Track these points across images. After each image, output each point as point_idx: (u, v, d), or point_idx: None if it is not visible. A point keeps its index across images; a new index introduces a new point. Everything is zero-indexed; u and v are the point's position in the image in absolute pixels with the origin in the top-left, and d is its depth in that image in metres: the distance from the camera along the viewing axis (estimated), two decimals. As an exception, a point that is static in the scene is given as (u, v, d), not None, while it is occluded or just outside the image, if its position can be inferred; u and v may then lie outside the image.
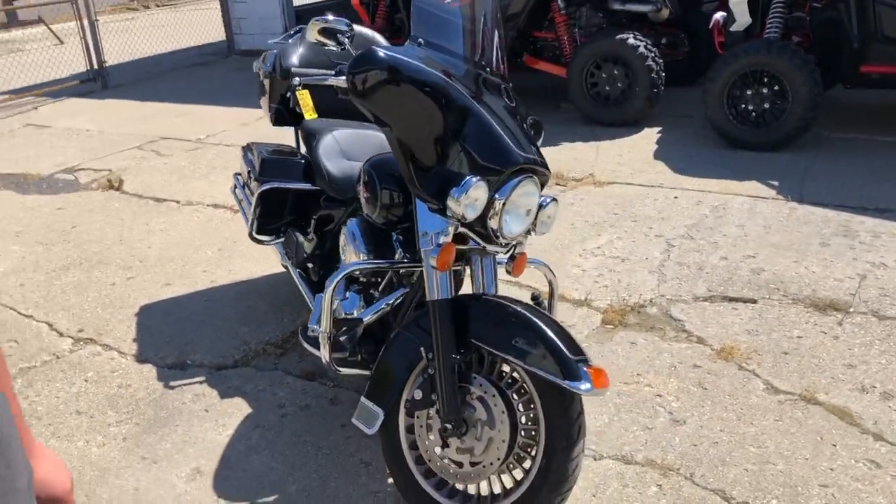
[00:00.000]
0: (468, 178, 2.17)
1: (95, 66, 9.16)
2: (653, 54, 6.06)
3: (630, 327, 3.43)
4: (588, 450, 2.69)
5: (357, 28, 2.86)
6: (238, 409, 3.06)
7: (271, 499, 2.58)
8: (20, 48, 13.51)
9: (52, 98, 9.05)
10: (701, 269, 3.89)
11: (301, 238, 3.24)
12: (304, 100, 2.73)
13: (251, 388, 3.19)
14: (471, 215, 2.20)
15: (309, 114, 2.86)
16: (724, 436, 2.73)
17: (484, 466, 2.29)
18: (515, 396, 2.27)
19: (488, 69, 2.48)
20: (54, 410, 3.13)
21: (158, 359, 3.45)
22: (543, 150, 2.46)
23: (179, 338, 3.60)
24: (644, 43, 6.05)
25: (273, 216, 3.47)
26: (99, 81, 9.20)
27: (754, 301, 3.57)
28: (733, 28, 5.75)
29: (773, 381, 3.00)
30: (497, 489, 2.34)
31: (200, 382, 3.25)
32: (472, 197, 2.17)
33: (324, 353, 2.51)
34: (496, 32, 2.63)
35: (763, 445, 2.67)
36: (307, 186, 3.32)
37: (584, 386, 2.08)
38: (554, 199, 2.47)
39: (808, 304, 3.51)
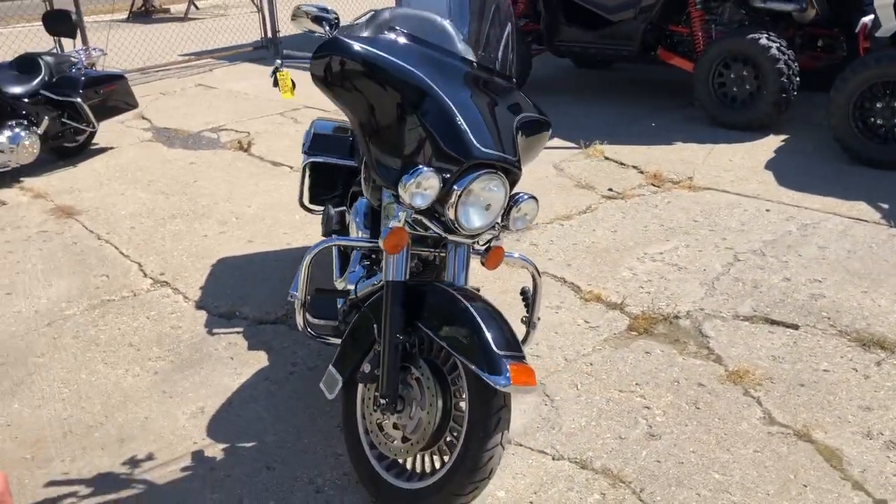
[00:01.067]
0: (420, 167, 2.27)
1: (269, 35, 9.84)
2: (786, 56, 5.73)
3: (653, 336, 3.37)
4: (550, 448, 2.73)
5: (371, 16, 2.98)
6: (257, 361, 3.33)
7: (249, 445, 2.83)
8: (223, 13, 14.71)
9: (228, 62, 9.85)
10: (756, 288, 3.73)
11: (332, 210, 3.45)
12: (284, 81, 2.91)
13: (277, 343, 3.45)
14: (419, 203, 2.29)
15: (286, 94, 3.04)
16: (693, 457, 2.67)
17: (412, 444, 2.40)
18: (456, 383, 2.36)
19: (478, 64, 2.53)
20: (112, 340, 3.55)
21: (213, 307, 3.80)
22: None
23: (238, 290, 3.93)
24: (777, 44, 5.73)
25: (323, 187, 3.72)
26: (270, 49, 9.87)
27: (796, 327, 3.39)
28: (879, 34, 5.30)
29: (773, 412, 2.88)
30: (428, 468, 2.44)
31: (238, 333, 3.56)
32: (420, 186, 2.26)
33: (298, 319, 2.70)
34: (505, 31, 2.69)
35: (729, 473, 2.59)
36: (348, 162, 3.52)
37: (502, 381, 2.14)
38: (532, 198, 2.50)
39: (852, 339, 3.29)
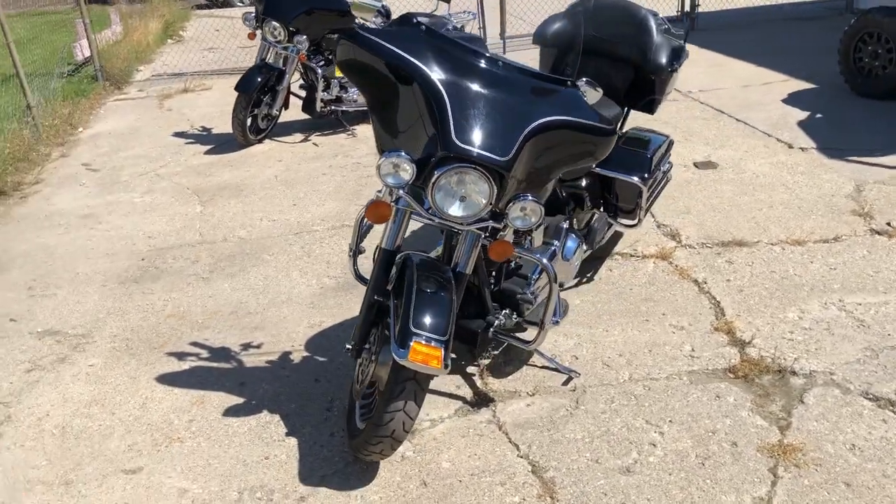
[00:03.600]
0: (396, 150, 2.55)
1: (686, 10, 9.76)
2: None
3: (746, 384, 3.07)
4: (526, 445, 2.81)
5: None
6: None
7: (341, 360, 3.41)
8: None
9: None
10: (929, 371, 3.09)
11: None
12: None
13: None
14: (390, 182, 2.58)
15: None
16: (618, 496, 2.54)
17: (357, 391, 2.77)
18: None
19: (505, 64, 2.65)
20: (319, 256, 4.39)
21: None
22: None
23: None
24: None
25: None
26: (686, 23, 9.80)
27: (921, 426, 2.80)
28: None
29: (777, 498, 2.54)
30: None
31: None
32: (386, 165, 2.55)
33: (349, 265, 3.15)
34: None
35: (658, 532, 2.44)
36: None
37: (400, 353, 2.41)
38: (535, 201, 2.59)
39: (980, 461, 2.62)
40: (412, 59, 2.57)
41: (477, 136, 2.51)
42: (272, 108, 6.41)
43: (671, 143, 4.00)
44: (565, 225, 3.38)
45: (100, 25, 11.39)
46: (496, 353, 3.32)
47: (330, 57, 6.53)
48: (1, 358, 3.60)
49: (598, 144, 2.79)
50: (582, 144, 2.74)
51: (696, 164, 5.37)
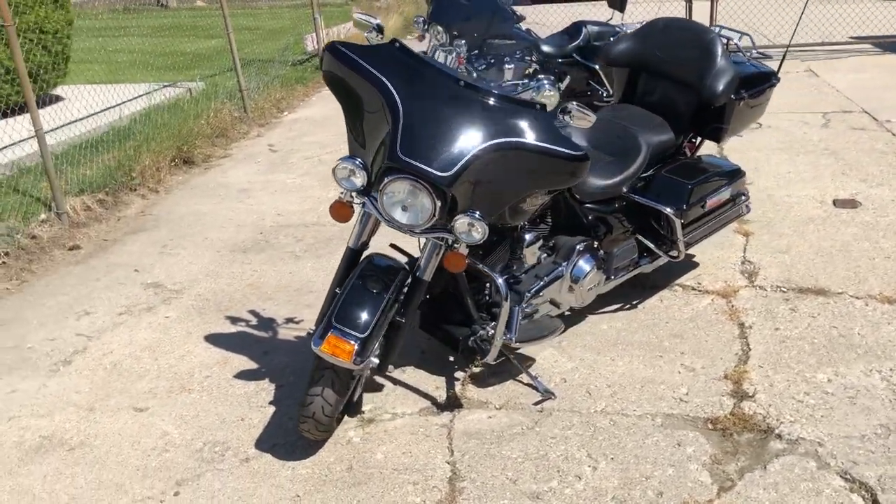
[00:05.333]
0: (351, 156, 2.79)
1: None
2: None
3: (719, 437, 2.88)
4: (448, 446, 2.92)
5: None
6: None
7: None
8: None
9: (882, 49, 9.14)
10: (936, 462, 2.73)
11: None
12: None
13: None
14: (344, 185, 2.81)
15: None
16: (527, 530, 2.57)
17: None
18: None
19: (466, 84, 2.75)
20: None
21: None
22: None
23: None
24: None
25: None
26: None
27: (882, 518, 2.52)
28: None
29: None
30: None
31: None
32: (341, 170, 2.78)
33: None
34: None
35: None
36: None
37: (315, 343, 2.67)
38: (480, 219, 2.70)
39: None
40: (377, 73, 2.75)
41: (422, 150, 2.64)
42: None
43: (738, 175, 3.77)
44: (580, 247, 3.36)
45: (342, 19, 12.53)
46: (494, 363, 3.37)
47: (491, 61, 6.75)
48: (109, 300, 4.29)
49: (562, 169, 2.79)
50: (542, 168, 2.76)
51: (835, 202, 4.92)
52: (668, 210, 3.45)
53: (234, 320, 3.96)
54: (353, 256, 2.96)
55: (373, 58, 2.80)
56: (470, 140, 2.65)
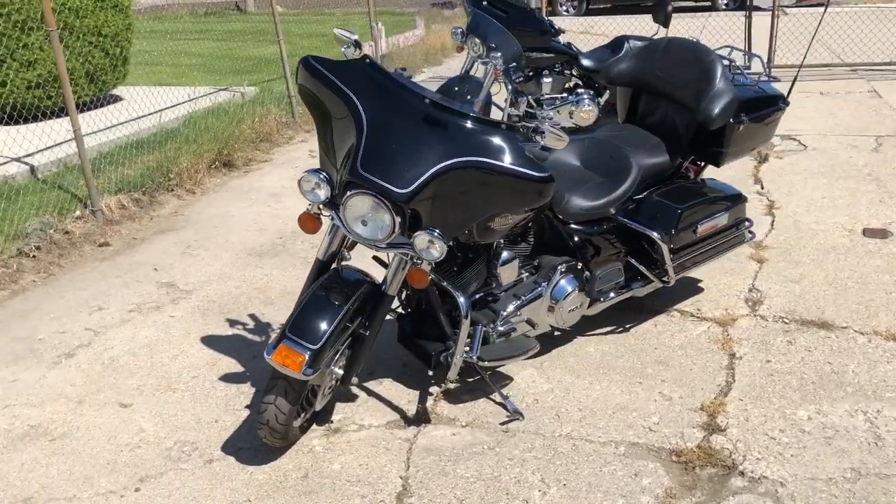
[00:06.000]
0: (316, 169, 2.84)
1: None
2: None
3: (680, 470, 2.81)
4: (403, 457, 2.93)
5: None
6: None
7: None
8: None
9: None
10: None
11: None
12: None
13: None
14: (309, 197, 2.86)
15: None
16: (462, 552, 2.56)
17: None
18: None
19: (432, 102, 2.77)
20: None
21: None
22: None
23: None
24: None
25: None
26: None
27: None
28: None
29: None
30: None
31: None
32: (305, 183, 2.83)
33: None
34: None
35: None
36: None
37: (267, 352, 2.74)
38: (439, 237, 2.70)
39: None
40: (345, 88, 2.80)
41: (382, 166, 2.67)
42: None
43: (737, 200, 3.66)
44: (562, 267, 3.33)
45: (403, 28, 12.66)
46: (470, 379, 3.37)
47: (529, 74, 6.73)
48: (123, 297, 4.45)
49: (525, 190, 2.78)
50: (505, 188, 2.75)
51: (864, 231, 4.73)
52: (655, 234, 3.38)
53: (232, 323, 4.06)
54: (321, 268, 3.00)
55: (343, 73, 2.84)
56: (431, 158, 2.66)
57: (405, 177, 2.65)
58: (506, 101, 6.60)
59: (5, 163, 6.06)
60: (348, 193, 2.70)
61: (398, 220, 2.68)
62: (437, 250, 2.69)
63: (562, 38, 6.82)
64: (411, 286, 2.88)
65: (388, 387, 3.42)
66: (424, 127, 2.73)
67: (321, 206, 2.87)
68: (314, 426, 3.17)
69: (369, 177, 2.65)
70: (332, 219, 2.89)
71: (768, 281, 4.16)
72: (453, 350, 3.07)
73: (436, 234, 2.67)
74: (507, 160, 2.70)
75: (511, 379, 3.42)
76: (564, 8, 17.84)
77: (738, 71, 3.69)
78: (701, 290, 4.09)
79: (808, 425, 3.01)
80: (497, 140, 2.72)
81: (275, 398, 2.78)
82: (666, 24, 6.78)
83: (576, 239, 3.40)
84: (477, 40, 6.41)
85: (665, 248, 3.39)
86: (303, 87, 2.93)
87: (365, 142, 2.69)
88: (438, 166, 2.66)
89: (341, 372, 2.99)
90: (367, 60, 2.89)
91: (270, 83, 9.19)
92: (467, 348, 3.01)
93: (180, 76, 10.08)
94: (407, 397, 3.34)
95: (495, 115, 6.83)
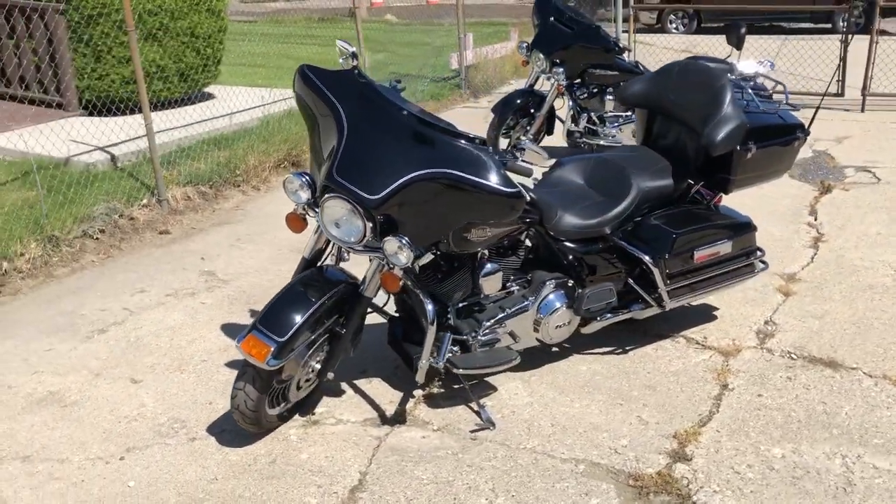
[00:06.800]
0: (299, 172, 3.01)
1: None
2: None
3: (634, 495, 2.80)
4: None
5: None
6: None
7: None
8: None
9: None
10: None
11: None
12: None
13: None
14: (293, 198, 3.03)
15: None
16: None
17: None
18: None
19: (409, 114, 2.89)
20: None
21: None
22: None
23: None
24: None
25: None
26: None
27: None
28: None
29: None
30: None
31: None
32: (290, 185, 3.01)
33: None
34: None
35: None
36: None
37: (238, 339, 2.92)
38: (407, 245, 2.81)
39: None
40: (332, 97, 2.95)
41: (357, 173, 2.81)
42: (528, 132, 6.82)
43: (744, 230, 3.59)
44: (551, 283, 3.38)
45: (498, 39, 12.76)
46: (456, 386, 3.45)
47: (594, 90, 6.72)
48: (165, 282, 4.76)
49: (493, 203, 2.85)
50: (472, 201, 2.83)
51: (910, 270, 4.52)
52: (647, 258, 3.37)
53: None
54: (305, 266, 3.16)
55: (332, 82, 2.98)
56: (404, 168, 2.78)
57: (377, 184, 2.77)
58: (567, 115, 6.66)
59: (91, 151, 6.54)
60: (325, 197, 2.84)
61: (370, 225, 2.80)
62: (405, 257, 2.79)
63: (627, 57, 6.77)
64: (384, 289, 2.98)
65: (375, 386, 3.53)
66: (400, 138, 2.84)
67: (305, 207, 3.02)
68: (297, 416, 3.31)
69: (343, 182, 2.78)
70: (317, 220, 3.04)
71: (788, 315, 4.04)
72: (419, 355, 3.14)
73: (404, 241, 2.77)
74: (476, 173, 2.78)
75: (495, 389, 3.47)
76: (674, 25, 17.47)
77: (762, 96, 3.62)
78: (714, 317, 4.02)
79: (779, 463, 2.94)
80: (468, 154, 2.80)
81: (244, 385, 2.94)
82: (739, 46, 6.61)
83: (570, 257, 3.42)
84: (541, 55, 6.48)
85: (657, 273, 3.37)
86: (297, 95, 3.09)
87: (343, 148, 2.83)
88: (408, 176, 2.76)
89: (318, 366, 3.13)
90: (356, 72, 3.02)
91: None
92: (435, 354, 3.08)
93: (274, 78, 10.51)
94: (390, 397, 3.44)
95: (557, 128, 6.89)
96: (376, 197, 2.76)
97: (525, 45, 6.82)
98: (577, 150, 6.84)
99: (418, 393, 3.47)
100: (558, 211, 3.33)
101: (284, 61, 12.07)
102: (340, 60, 3.15)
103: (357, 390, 3.50)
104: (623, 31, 9.93)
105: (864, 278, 4.45)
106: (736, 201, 3.89)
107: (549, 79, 6.65)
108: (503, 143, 6.91)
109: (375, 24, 18.60)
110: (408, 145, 2.83)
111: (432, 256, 3.10)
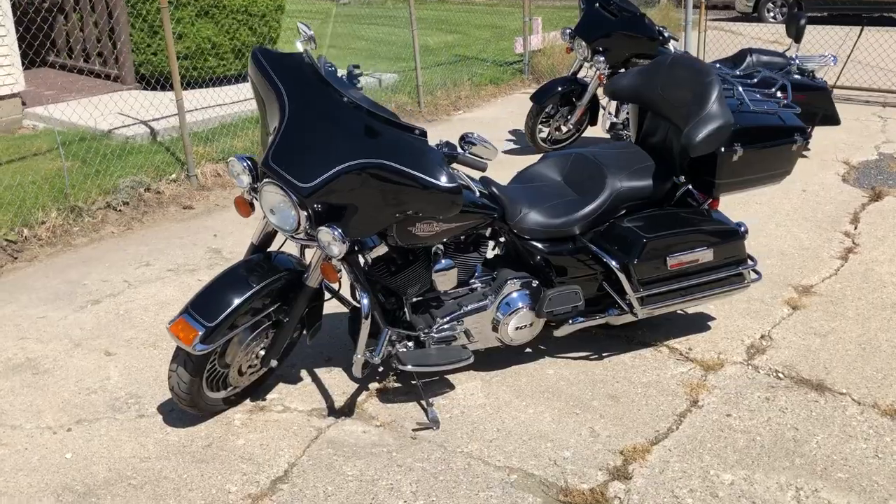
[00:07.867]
0: (242, 156, 2.98)
1: None
2: None
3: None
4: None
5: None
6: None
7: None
8: None
9: None
10: None
11: None
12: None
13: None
14: (236, 182, 3.00)
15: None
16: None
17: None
18: None
19: (356, 105, 2.81)
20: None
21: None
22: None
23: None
24: None
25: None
26: None
27: None
28: None
29: None
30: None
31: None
32: (232, 168, 2.98)
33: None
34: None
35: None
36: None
37: (170, 322, 2.93)
38: (340, 236, 2.74)
39: None
40: (278, 81, 2.88)
41: (292, 159, 2.74)
42: (569, 121, 6.62)
43: (729, 237, 3.34)
44: (514, 283, 3.25)
45: (564, 23, 12.42)
46: (414, 382, 3.37)
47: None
48: (172, 256, 4.84)
49: (429, 197, 2.74)
50: (407, 193, 2.74)
51: (943, 289, 4.15)
52: (613, 262, 3.19)
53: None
54: (253, 251, 3.12)
55: (280, 66, 2.92)
56: (339, 156, 2.70)
57: (311, 172, 2.70)
58: (605, 105, 6.41)
59: (133, 124, 6.71)
60: (262, 182, 2.79)
61: (303, 213, 2.74)
62: (337, 248, 2.72)
63: (671, 47, 6.46)
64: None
65: (334, 375, 3.48)
66: (340, 125, 2.76)
67: (250, 191, 2.98)
68: (247, 401, 3.29)
69: (277, 168, 2.72)
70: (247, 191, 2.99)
71: (789, 330, 3.77)
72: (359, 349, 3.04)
73: (337, 231, 2.69)
74: (412, 165, 2.67)
75: (452, 388, 3.37)
76: (772, 14, 16.65)
77: (765, 96, 3.37)
78: (707, 328, 3.79)
79: (725, 490, 2.73)
80: (407, 144, 2.70)
81: (177, 367, 2.94)
82: (798, 38, 6.26)
83: (537, 257, 3.28)
84: (583, 43, 6.25)
85: (624, 279, 3.18)
86: (251, 78, 3.04)
87: (282, 134, 2.76)
88: (343, 165, 2.68)
89: (262, 352, 3.09)
90: (306, 58, 2.95)
91: (425, 70, 9.38)
92: (372, 349, 3.00)
93: (338, 59, 10.55)
94: (345, 388, 3.39)
95: (600, 119, 6.65)
96: (309, 185, 2.68)
97: (569, 31, 6.60)
98: (619, 140, 6.59)
99: (373, 386, 3.40)
100: (522, 208, 3.19)
101: (355, 42, 12.15)
102: (298, 43, 3.08)
103: (314, 378, 3.46)
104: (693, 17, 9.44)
105: (888, 296, 4.11)
106: (772, 204, 3.63)
107: (591, 67, 6.43)
108: (544, 132, 6.73)
109: (457, 6, 18.48)
110: (347, 134, 2.74)
111: (386, 249, 3.01)
